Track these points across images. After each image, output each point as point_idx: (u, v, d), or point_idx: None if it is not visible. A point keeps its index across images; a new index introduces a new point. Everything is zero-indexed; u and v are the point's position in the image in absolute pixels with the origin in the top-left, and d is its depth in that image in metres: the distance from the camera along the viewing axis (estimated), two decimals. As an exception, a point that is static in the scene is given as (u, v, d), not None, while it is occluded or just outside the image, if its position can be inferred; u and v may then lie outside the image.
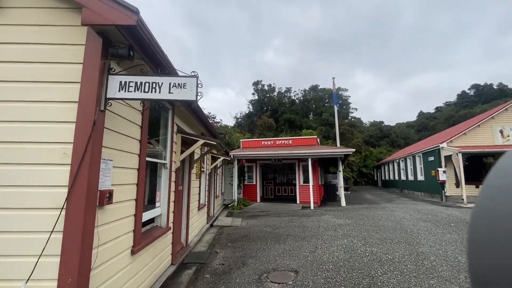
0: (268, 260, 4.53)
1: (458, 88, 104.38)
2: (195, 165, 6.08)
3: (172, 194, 4.35)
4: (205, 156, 7.86)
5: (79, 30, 2.21)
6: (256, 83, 48.42)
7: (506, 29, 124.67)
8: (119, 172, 2.57)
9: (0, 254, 1.90)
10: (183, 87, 2.27)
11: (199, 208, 6.73)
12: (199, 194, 6.79)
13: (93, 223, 2.07)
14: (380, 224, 7.61)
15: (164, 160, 4.10)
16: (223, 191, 13.78)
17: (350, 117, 45.18)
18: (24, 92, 2.12)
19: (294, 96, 48.91)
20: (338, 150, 12.18)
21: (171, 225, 4.22)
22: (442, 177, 14.65)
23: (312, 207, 11.74)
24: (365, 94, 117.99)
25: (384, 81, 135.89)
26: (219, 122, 29.73)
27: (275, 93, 48.83)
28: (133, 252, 2.81)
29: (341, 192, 12.74)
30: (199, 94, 2.28)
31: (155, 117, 3.93)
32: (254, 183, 14.83)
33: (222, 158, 9.04)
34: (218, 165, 10.30)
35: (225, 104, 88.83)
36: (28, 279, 1.84)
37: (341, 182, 12.85)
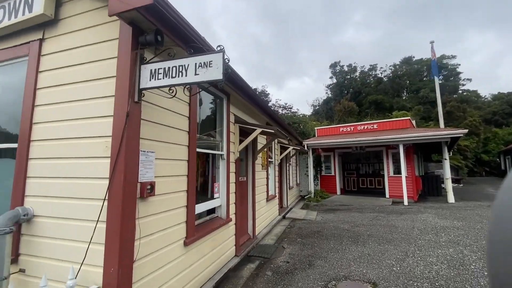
0: (340, 264, 3.89)
1: None
2: (259, 155, 5.91)
3: (232, 185, 4.29)
4: (273, 146, 7.63)
5: (115, 25, 2.25)
6: (333, 65, 44.87)
7: None
8: (165, 164, 2.57)
9: (59, 237, 2.17)
10: (209, 66, 1.98)
11: (268, 200, 6.57)
12: (267, 185, 6.62)
13: (134, 214, 2.09)
14: None
15: (221, 151, 4.04)
16: (298, 182, 13.36)
17: (460, 91, 35.89)
18: (76, 92, 2.32)
19: (381, 73, 42.67)
20: (440, 132, 9.64)
21: (232, 216, 4.17)
22: None
23: (405, 203, 9.85)
24: (484, 60, 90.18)
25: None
26: (296, 112, 29.17)
27: (357, 73, 43.93)
28: (186, 244, 2.82)
29: (448, 185, 10.14)
30: (227, 70, 1.95)
31: (208, 107, 3.90)
32: (333, 174, 13.71)
33: (291, 148, 8.59)
34: (291, 155, 9.93)
35: (303, 93, 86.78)
36: (82, 263, 2.00)
37: (447, 173, 10.22)
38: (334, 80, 45.17)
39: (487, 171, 29.28)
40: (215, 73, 1.95)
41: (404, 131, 11.07)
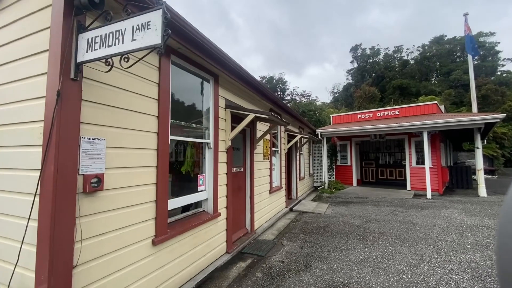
0: (340, 267, 3.43)
1: None
2: (259, 144, 5.48)
3: (223, 177, 3.93)
4: (279, 134, 7.15)
5: (50, -13, 1.89)
6: (354, 48, 42.39)
7: None
8: (122, 154, 2.23)
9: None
10: (147, 28, 1.57)
11: (272, 191, 6.18)
12: (270, 176, 6.20)
13: (72, 212, 1.78)
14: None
15: (207, 139, 3.67)
16: (311, 172, 12.82)
17: (499, 72, 32.39)
18: (12, 72, 2.03)
19: (407, 55, 39.68)
20: (471, 118, 8.52)
21: (222, 210, 3.84)
22: None
23: (429, 196, 9.00)
24: (529, 36, 79.92)
25: None
26: (314, 100, 28.14)
27: (380, 57, 41.22)
28: (155, 243, 2.52)
29: (480, 177, 9.09)
30: (167, 32, 1.52)
31: (190, 89, 3.50)
32: (349, 164, 12.97)
33: (299, 136, 8.03)
34: (301, 143, 9.39)
35: (324, 80, 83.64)
36: (16, 265, 1.75)
37: (479, 163, 9.15)
38: (355, 65, 42.81)
39: (527, 161, 26.60)
40: (153, 37, 1.54)
41: (429, 117, 10.00)
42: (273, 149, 6.66)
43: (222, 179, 3.92)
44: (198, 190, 3.48)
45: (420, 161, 10.68)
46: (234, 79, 4.07)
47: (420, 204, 7.76)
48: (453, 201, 8.14)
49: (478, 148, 9.29)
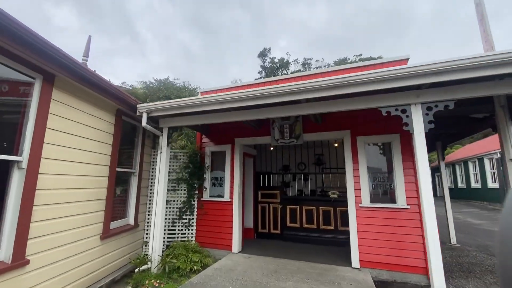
0: None
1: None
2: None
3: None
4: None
5: None
6: (262, 54, 39.49)
7: None
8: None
9: None
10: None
11: None
12: None
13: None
14: None
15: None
16: (137, 221, 5.01)
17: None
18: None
19: (316, 68, 39.69)
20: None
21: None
22: None
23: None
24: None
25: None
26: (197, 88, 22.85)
27: (289, 70, 39.79)
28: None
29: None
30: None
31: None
32: (228, 199, 5.92)
33: None
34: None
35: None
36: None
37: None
38: (264, 74, 39.92)
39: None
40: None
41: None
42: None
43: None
44: None
45: (382, 191, 4.67)
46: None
47: None
48: None
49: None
